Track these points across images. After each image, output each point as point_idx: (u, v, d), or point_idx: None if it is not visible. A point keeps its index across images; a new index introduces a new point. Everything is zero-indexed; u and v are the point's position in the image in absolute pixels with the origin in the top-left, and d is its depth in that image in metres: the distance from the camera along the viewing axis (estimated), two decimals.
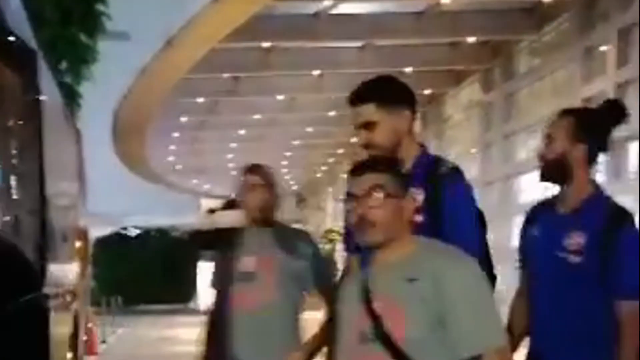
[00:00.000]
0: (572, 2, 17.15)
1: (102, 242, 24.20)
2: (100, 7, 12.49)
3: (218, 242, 3.53)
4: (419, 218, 2.52)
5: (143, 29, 22.02)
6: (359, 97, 2.72)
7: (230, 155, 34.71)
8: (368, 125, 2.73)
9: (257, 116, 27.46)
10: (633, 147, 15.38)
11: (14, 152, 4.17)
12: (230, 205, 4.33)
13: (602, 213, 2.76)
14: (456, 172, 2.76)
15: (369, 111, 2.71)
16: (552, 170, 2.86)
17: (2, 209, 3.85)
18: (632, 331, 2.66)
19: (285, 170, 40.10)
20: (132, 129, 25.79)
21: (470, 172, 23.23)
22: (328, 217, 40.21)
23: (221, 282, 3.42)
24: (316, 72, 22.07)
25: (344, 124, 29.11)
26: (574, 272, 2.75)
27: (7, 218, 3.96)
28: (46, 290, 4.75)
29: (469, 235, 2.70)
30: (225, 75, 22.36)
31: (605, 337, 2.69)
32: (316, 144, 33.51)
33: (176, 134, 30.53)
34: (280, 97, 24.95)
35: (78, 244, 8.69)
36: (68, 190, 7.37)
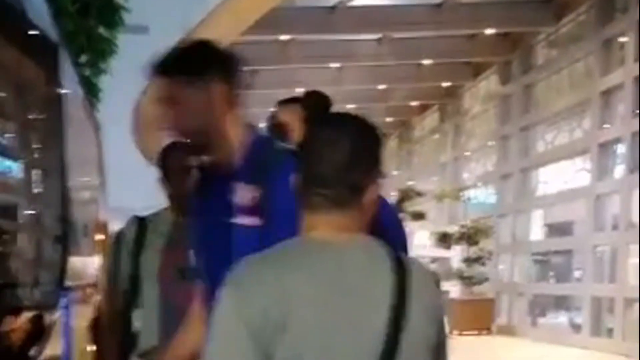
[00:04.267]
0: None
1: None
2: (119, 0, 12.51)
3: None
4: (254, 221, 2.20)
5: (162, 22, 22.05)
6: (159, 67, 2.31)
7: None
8: (169, 103, 2.28)
9: (275, 109, 27.42)
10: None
11: (35, 145, 4.19)
12: None
13: None
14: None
15: (170, 85, 2.27)
16: None
17: (24, 202, 3.85)
18: None
19: None
20: (152, 121, 25.84)
21: (488, 165, 23.20)
22: None
23: None
24: (334, 65, 22.04)
25: None
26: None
27: (29, 212, 3.97)
28: (68, 283, 4.79)
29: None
30: (243, 68, 22.31)
31: None
32: None
33: None
34: (298, 90, 24.88)
35: (99, 237, 8.73)
36: (89, 184, 7.41)
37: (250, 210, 2.19)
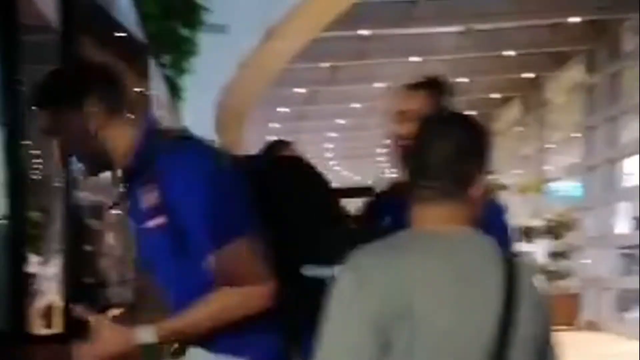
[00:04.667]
0: None
1: None
2: (200, 0, 12.68)
3: None
4: (158, 221, 2.21)
5: (242, 21, 22.26)
6: (33, 101, 2.31)
7: (328, 145, 34.82)
8: (50, 133, 2.30)
9: (355, 105, 27.47)
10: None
11: None
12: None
13: None
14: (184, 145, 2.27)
15: (45, 116, 2.28)
16: None
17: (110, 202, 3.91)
18: None
19: (382, 158, 40.01)
20: (233, 120, 26.14)
21: (573, 156, 22.76)
22: None
23: None
24: (415, 59, 21.93)
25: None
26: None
27: (116, 211, 4.03)
28: None
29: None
30: (324, 64, 22.43)
31: None
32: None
33: (275, 125, 30.80)
34: (378, 85, 24.91)
35: None
36: None
37: (155, 211, 2.20)
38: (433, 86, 2.93)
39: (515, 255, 1.92)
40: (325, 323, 1.77)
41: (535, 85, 24.52)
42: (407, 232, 1.91)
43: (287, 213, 2.29)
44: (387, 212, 2.71)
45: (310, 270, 2.23)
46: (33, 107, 2.27)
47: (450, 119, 2.04)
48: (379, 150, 38.44)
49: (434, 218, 1.87)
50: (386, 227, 2.51)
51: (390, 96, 2.93)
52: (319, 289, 1.95)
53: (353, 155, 37.67)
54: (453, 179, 1.89)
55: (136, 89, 4.42)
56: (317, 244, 2.26)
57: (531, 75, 23.80)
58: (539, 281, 1.93)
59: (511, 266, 1.85)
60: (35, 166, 2.72)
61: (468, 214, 1.90)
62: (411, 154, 1.93)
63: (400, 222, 1.99)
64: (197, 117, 17.93)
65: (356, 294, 1.76)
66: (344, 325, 1.74)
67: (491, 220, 2.11)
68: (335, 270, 1.94)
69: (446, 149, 1.89)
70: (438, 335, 1.74)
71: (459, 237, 1.87)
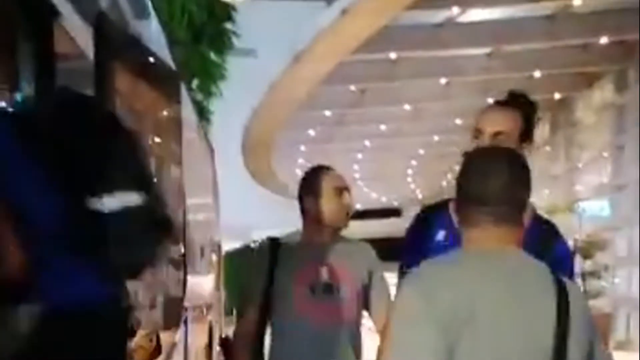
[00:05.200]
0: None
1: (232, 255, 24.69)
2: (229, 25, 12.78)
3: None
4: None
5: (270, 45, 22.39)
6: None
7: (356, 167, 34.82)
8: None
9: (382, 127, 27.48)
10: None
11: (155, 168, 4.28)
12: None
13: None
14: None
15: None
16: None
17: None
18: None
19: (410, 179, 39.94)
20: (261, 143, 26.27)
21: (602, 176, 22.58)
22: None
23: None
24: (442, 80, 21.92)
25: (470, 132, 28.75)
26: None
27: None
28: (185, 303, 4.91)
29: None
30: (352, 87, 22.47)
31: None
32: (442, 152, 33.28)
33: (303, 147, 30.87)
34: (406, 107, 24.90)
35: (214, 257, 8.88)
36: (205, 206, 7.55)
37: None
38: (525, 104, 2.93)
39: (559, 274, 2.08)
40: (395, 333, 1.97)
41: (564, 105, 24.40)
42: (465, 252, 2.09)
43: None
44: (440, 226, 2.74)
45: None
46: None
47: (499, 150, 2.32)
48: (406, 172, 38.39)
49: (490, 239, 2.05)
50: (439, 242, 2.69)
51: (480, 115, 2.93)
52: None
53: (380, 177, 37.64)
54: (510, 205, 2.07)
55: (167, 114, 4.47)
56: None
57: (560, 95, 23.69)
58: (586, 301, 2.14)
59: (562, 286, 2.03)
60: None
61: (520, 236, 2.09)
62: (467, 182, 2.14)
63: (452, 238, 2.15)
64: (225, 140, 18.03)
65: (424, 307, 1.93)
66: (415, 335, 1.91)
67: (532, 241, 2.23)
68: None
69: (504, 177, 2.07)
70: (497, 344, 1.92)
71: (514, 257, 2.06)
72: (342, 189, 3.36)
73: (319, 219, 3.37)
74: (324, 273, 3.30)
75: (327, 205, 3.35)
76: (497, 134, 2.77)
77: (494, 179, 2.08)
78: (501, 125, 2.81)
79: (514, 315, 1.95)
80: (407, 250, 2.83)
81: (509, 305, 1.95)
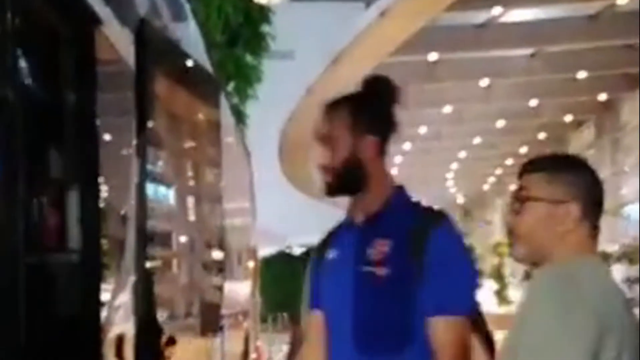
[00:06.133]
0: None
1: (268, 260, 24.61)
2: (266, 28, 12.65)
3: None
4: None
5: (308, 47, 22.24)
6: None
7: (395, 170, 34.61)
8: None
9: (422, 129, 27.24)
10: None
11: (193, 173, 4.25)
12: None
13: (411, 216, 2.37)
14: None
15: None
16: (342, 178, 2.41)
17: (180, 230, 3.87)
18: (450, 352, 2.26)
19: (450, 183, 39.68)
20: (298, 147, 26.13)
21: None
22: (496, 231, 39.43)
23: None
24: (484, 82, 21.64)
25: (512, 134, 28.44)
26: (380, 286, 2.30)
27: (185, 239, 3.97)
28: (223, 310, 4.83)
29: None
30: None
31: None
32: (483, 155, 32.96)
33: None
34: (446, 109, 24.65)
35: (250, 263, 8.78)
36: (242, 210, 7.52)
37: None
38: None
39: None
40: (537, 347, 1.82)
41: (609, 107, 23.99)
42: (581, 260, 1.96)
43: None
44: (334, 246, 2.57)
45: None
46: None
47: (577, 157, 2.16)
48: (446, 175, 38.08)
49: (593, 249, 2.03)
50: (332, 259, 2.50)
51: None
52: None
53: (420, 181, 37.37)
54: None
55: (205, 118, 4.47)
56: None
57: (605, 97, 23.29)
58: None
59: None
60: (106, 194, 2.67)
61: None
62: (593, 187, 1.99)
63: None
64: (262, 144, 17.87)
65: (567, 316, 1.80)
66: (563, 344, 1.79)
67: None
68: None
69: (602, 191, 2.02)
70: (633, 349, 1.89)
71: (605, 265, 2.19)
72: None
73: None
74: None
75: None
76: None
77: (601, 191, 2.02)
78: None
79: (635, 325, 1.95)
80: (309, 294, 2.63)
81: (627, 308, 1.99)
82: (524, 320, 1.88)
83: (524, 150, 28.92)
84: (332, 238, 2.53)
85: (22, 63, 2.10)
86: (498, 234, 37.03)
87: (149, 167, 3.11)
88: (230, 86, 12.37)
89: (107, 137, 2.71)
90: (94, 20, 2.55)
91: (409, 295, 2.26)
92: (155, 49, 3.12)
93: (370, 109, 2.49)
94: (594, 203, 1.98)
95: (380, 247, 2.32)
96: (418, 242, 2.28)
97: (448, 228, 2.34)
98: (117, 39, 2.83)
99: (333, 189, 2.46)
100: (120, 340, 2.73)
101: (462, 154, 32.82)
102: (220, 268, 4.84)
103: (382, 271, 2.29)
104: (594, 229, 2.01)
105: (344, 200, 2.72)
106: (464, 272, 2.31)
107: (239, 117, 12.48)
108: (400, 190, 2.51)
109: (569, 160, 2.05)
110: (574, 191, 1.94)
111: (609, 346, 1.82)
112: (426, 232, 2.30)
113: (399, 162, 33.48)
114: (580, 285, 1.86)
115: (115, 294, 2.75)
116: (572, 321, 1.80)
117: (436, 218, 2.37)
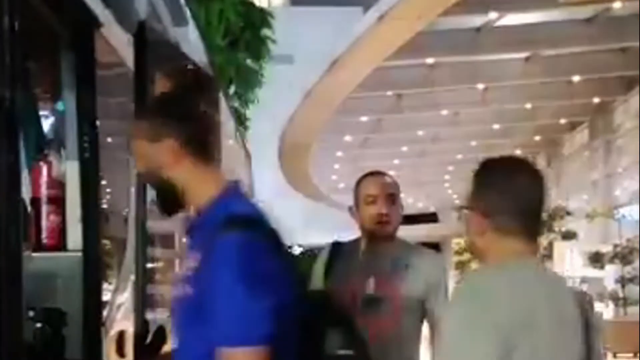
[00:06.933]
0: None
1: None
2: (267, 32, 12.77)
3: None
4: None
5: (307, 51, 22.45)
6: None
7: (392, 172, 34.69)
8: None
9: (420, 132, 27.40)
10: None
11: None
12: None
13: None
14: None
15: None
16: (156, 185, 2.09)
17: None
18: None
19: (447, 184, 39.77)
20: (298, 149, 26.31)
21: None
22: None
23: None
24: (480, 86, 21.82)
25: (509, 137, 28.63)
26: (188, 307, 1.96)
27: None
28: None
29: None
30: (389, 92, 22.44)
31: None
32: (480, 158, 32.97)
33: (340, 153, 30.85)
34: (443, 112, 24.82)
35: None
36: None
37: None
38: None
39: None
40: (449, 340, 1.94)
41: (603, 110, 24.16)
42: (502, 264, 2.04)
43: None
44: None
45: None
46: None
47: (527, 161, 2.28)
48: (443, 177, 38.18)
49: (528, 250, 2.06)
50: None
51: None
52: None
53: (417, 182, 37.49)
54: (539, 218, 2.10)
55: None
56: None
57: (599, 99, 23.47)
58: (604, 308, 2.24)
59: (582, 295, 2.15)
60: (107, 195, 2.78)
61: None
62: (514, 193, 2.06)
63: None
64: (262, 147, 18.07)
65: (482, 312, 1.92)
66: (474, 339, 1.90)
67: None
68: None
69: (540, 192, 2.08)
70: (551, 345, 1.96)
71: (542, 267, 2.19)
72: (374, 197, 3.28)
73: (360, 226, 3.33)
74: (370, 285, 3.15)
75: (360, 213, 3.29)
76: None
77: (533, 192, 2.08)
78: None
79: (560, 320, 2.00)
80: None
81: (555, 311, 2.00)
82: (444, 321, 2.08)
83: (519, 152, 29.12)
84: None
85: (22, 65, 2.02)
86: None
87: None
88: (231, 90, 12.52)
89: (106, 139, 2.70)
90: (94, 23, 2.54)
91: (204, 320, 1.88)
92: (155, 52, 3.01)
93: (169, 109, 2.13)
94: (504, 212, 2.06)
95: (190, 263, 1.98)
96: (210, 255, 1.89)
97: (232, 240, 1.87)
98: (117, 41, 2.82)
99: (161, 209, 2.14)
100: (121, 337, 2.72)
101: (459, 156, 32.98)
102: None
103: (186, 290, 1.96)
104: (526, 230, 2.06)
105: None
106: (233, 295, 1.84)
107: (240, 119, 12.68)
108: (224, 194, 2.06)
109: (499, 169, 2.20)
110: (505, 203, 2.06)
111: (523, 343, 1.91)
112: (213, 243, 1.89)
113: (397, 164, 33.64)
114: (490, 293, 1.94)
115: (115, 292, 2.78)
116: (476, 331, 1.89)
117: (225, 226, 1.90)
